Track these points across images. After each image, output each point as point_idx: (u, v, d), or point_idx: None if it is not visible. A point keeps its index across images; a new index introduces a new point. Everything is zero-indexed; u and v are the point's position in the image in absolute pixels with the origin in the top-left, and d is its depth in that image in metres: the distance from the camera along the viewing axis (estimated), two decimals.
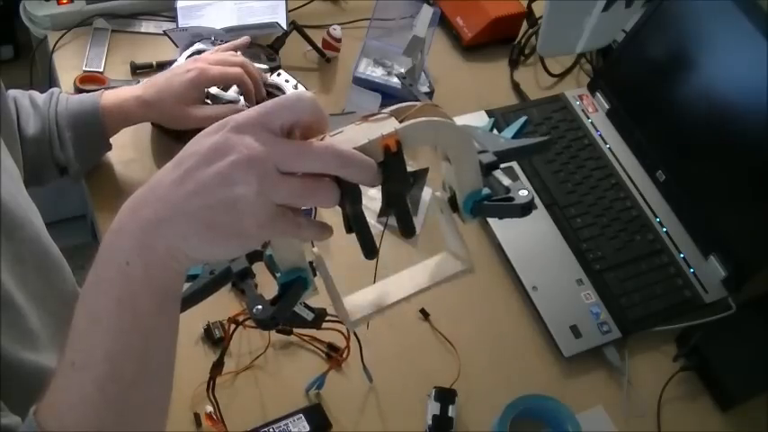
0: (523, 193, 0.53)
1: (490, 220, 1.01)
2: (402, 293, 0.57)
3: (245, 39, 1.02)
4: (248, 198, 0.42)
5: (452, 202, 0.56)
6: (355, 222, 0.48)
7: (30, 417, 0.47)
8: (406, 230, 0.50)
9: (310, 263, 0.52)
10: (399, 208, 0.49)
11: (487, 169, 0.55)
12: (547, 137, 0.56)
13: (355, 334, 0.83)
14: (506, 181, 0.55)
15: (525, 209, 0.53)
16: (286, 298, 0.51)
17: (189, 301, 0.56)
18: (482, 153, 0.57)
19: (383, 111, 0.48)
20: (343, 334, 0.84)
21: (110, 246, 0.45)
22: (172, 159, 0.45)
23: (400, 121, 0.47)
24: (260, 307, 0.50)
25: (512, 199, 0.53)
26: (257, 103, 0.96)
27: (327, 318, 0.79)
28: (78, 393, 0.46)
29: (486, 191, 0.54)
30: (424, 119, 0.47)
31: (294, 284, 0.51)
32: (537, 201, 1.04)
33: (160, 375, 0.49)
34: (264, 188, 0.42)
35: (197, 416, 0.79)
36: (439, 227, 0.58)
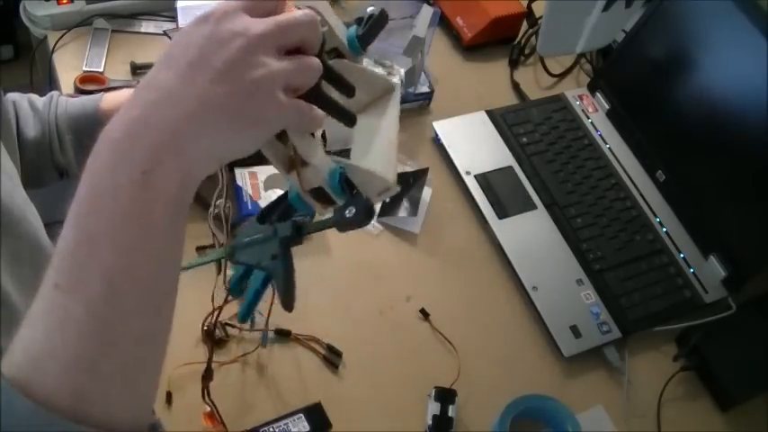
0: (371, 8, 0.58)
1: (490, 219, 1.01)
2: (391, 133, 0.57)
3: None
4: (267, 78, 0.42)
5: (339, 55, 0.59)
6: (324, 101, 0.49)
7: None
8: (349, 90, 0.51)
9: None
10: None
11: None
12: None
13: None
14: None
15: (384, 16, 0.57)
16: (357, 191, 0.50)
17: (289, 288, 0.54)
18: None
19: None
20: None
21: (113, 157, 0.41)
22: (159, 62, 0.43)
23: None
24: (352, 208, 0.49)
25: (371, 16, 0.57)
26: None
27: None
28: (61, 316, 0.39)
29: (353, 28, 0.57)
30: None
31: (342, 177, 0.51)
32: (537, 201, 1.05)
33: (164, 307, 0.43)
34: (278, 68, 0.43)
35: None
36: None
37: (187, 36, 0.43)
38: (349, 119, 0.52)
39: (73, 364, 0.39)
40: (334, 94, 0.51)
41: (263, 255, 0.55)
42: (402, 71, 1.11)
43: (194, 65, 0.42)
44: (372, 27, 0.56)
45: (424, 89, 1.13)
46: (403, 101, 1.13)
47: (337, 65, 0.54)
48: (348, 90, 0.52)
